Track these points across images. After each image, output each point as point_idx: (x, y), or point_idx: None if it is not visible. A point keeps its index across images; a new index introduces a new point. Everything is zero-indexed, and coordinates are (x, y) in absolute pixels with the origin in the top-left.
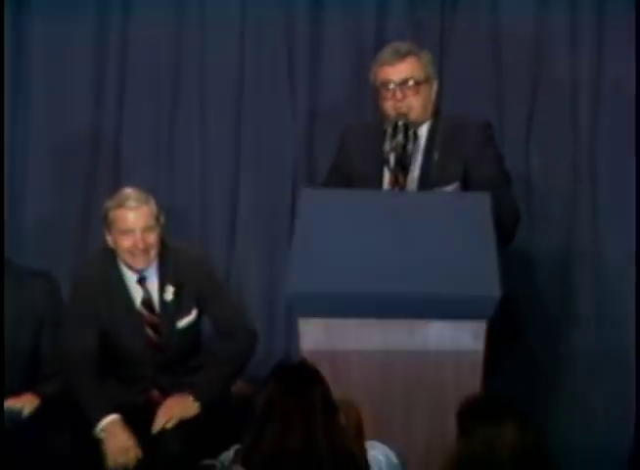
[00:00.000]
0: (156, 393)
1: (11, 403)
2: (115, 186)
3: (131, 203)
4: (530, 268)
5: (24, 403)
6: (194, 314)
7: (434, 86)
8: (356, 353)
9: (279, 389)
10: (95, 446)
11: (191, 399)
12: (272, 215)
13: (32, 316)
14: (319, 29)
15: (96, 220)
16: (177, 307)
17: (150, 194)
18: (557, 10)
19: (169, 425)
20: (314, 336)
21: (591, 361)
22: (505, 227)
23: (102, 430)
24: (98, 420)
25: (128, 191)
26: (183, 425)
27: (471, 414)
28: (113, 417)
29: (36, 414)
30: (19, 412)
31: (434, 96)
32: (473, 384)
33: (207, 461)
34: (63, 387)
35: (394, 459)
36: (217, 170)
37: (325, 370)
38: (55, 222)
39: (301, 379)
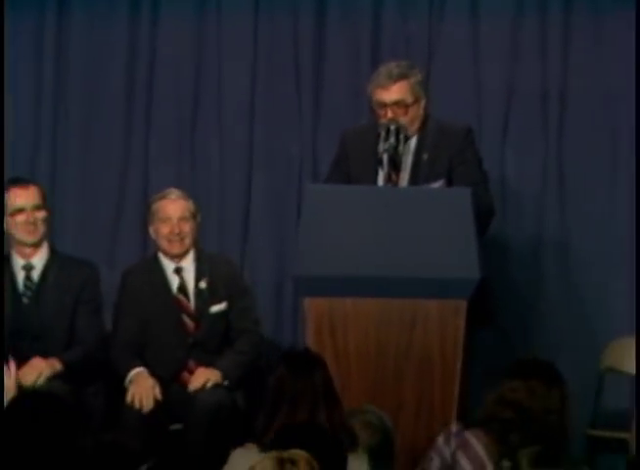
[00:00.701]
0: (186, 374)
1: (28, 377)
2: (144, 184)
3: (172, 195)
4: (505, 256)
5: (43, 370)
6: (224, 305)
7: (422, 103)
8: (354, 328)
9: (288, 373)
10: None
11: (218, 371)
12: (281, 209)
13: (72, 298)
14: (322, 47)
15: (126, 215)
16: (211, 295)
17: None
18: (529, 24)
19: (209, 385)
20: (317, 313)
21: (558, 338)
22: (481, 219)
23: (129, 381)
24: (128, 371)
25: (172, 189)
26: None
27: (508, 371)
28: (140, 369)
29: (69, 374)
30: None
31: (421, 112)
32: (455, 355)
33: None
34: (85, 355)
35: (387, 421)
36: (233, 169)
37: (327, 343)
38: (90, 215)
39: (307, 364)
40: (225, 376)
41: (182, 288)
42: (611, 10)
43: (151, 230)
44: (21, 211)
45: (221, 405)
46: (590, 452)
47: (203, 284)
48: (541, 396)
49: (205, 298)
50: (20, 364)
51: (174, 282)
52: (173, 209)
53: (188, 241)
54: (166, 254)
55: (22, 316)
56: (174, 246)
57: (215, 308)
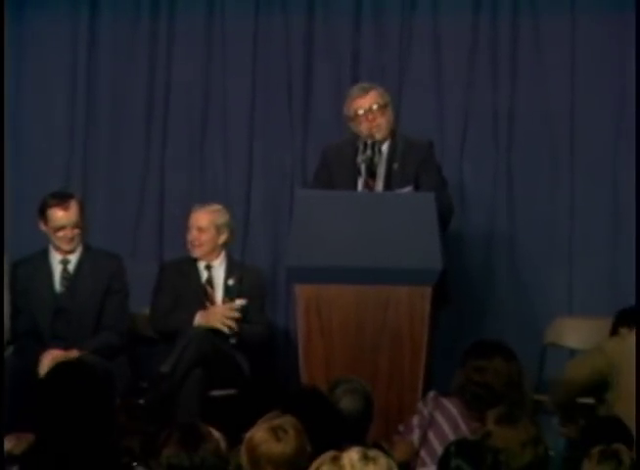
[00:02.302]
0: None
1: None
2: (160, 188)
3: (200, 208)
4: (462, 249)
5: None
6: (246, 301)
7: (391, 110)
8: (337, 310)
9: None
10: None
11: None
12: (275, 210)
13: (102, 286)
14: (310, 75)
15: (145, 213)
16: (237, 290)
17: (228, 212)
18: (483, 57)
19: (225, 329)
20: (306, 297)
21: (507, 318)
22: (443, 218)
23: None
24: (180, 324)
25: (212, 204)
26: None
27: (469, 351)
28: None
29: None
30: None
31: (392, 119)
32: (421, 332)
33: None
34: (100, 346)
35: (368, 388)
36: (235, 176)
37: (314, 322)
38: (115, 213)
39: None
40: (239, 333)
41: (209, 281)
42: (552, 40)
43: None
44: (61, 228)
45: (224, 347)
46: (534, 413)
47: (230, 281)
48: (503, 373)
49: (231, 291)
50: (56, 345)
51: (203, 275)
52: (195, 219)
53: (206, 247)
54: (191, 254)
55: (59, 304)
56: (193, 250)
57: (239, 302)
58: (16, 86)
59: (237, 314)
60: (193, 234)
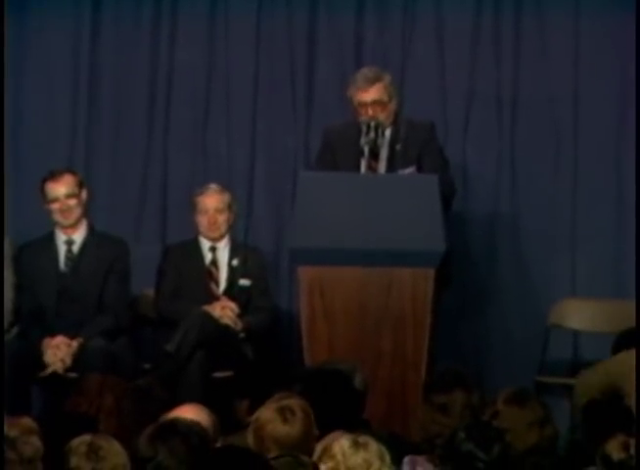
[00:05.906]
0: None
1: (57, 363)
2: (164, 173)
3: (209, 191)
4: (466, 230)
5: (64, 356)
6: (250, 282)
7: (395, 101)
8: (340, 292)
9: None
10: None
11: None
12: (278, 192)
13: (105, 268)
14: (313, 57)
15: (149, 198)
16: (242, 270)
17: (229, 191)
18: (485, 39)
19: (226, 320)
20: (309, 279)
21: (510, 299)
22: (446, 199)
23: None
24: (184, 311)
25: (211, 185)
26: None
27: (430, 386)
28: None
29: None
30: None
31: (395, 107)
32: (424, 314)
33: None
34: (101, 329)
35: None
36: (238, 159)
37: (317, 304)
38: (119, 199)
39: None
40: (247, 328)
41: (214, 262)
42: (555, 25)
43: (195, 218)
44: (55, 200)
45: (228, 329)
46: (537, 395)
47: (235, 262)
48: (466, 406)
49: (235, 272)
50: (59, 324)
51: (208, 257)
52: (209, 202)
53: (224, 227)
54: (206, 237)
55: (63, 283)
56: (210, 232)
57: (244, 282)
58: (18, 71)
59: (237, 311)
60: (211, 216)
